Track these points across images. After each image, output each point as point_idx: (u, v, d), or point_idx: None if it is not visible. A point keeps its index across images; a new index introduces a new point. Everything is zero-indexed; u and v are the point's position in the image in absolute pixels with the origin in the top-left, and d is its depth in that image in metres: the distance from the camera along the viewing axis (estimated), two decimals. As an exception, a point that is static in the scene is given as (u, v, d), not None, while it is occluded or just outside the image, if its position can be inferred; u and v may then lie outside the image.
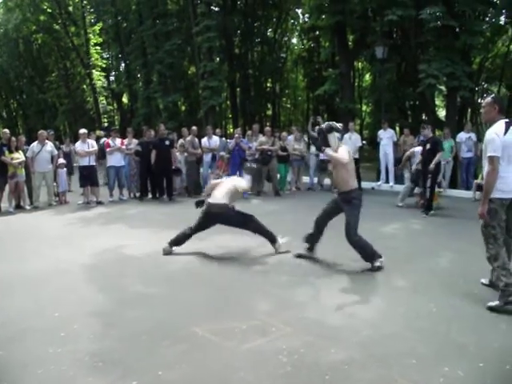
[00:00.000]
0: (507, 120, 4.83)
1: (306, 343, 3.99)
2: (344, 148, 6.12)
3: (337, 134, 6.15)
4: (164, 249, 7.08)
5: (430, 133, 10.43)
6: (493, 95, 5.18)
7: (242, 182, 7.45)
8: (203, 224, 7.08)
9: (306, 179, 14.96)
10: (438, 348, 3.90)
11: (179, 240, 7.09)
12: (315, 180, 14.70)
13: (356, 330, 4.26)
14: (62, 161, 13.02)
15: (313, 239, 6.61)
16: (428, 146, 10.06)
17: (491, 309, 4.64)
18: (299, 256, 6.68)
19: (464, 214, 9.99)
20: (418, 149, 11.11)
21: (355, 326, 4.34)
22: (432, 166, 9.82)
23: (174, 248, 7.11)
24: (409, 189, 11.28)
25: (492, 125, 4.89)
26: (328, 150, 6.06)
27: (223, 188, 7.10)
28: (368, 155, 24.79)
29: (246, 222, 7.07)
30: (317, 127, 6.48)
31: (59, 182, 12.70)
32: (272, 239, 7.03)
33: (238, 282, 5.76)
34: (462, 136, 13.52)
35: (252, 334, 4.19)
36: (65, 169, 13.05)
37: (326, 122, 6.39)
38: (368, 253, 6.04)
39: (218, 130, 15.80)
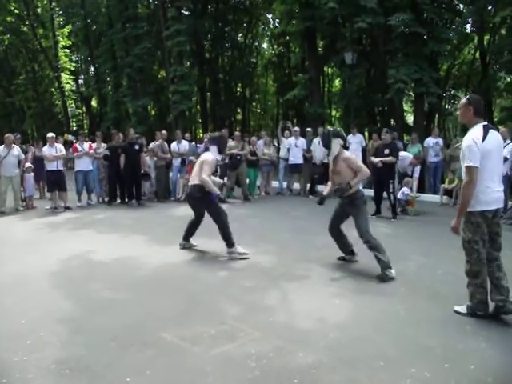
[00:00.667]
0: (485, 123, 4.49)
1: (274, 347, 4.00)
2: (349, 154, 6.40)
3: (341, 141, 6.27)
4: (180, 243, 7.58)
5: (390, 139, 10.58)
6: (468, 96, 4.81)
7: (210, 156, 7.43)
8: (193, 208, 7.40)
9: (275, 184, 15.00)
10: (406, 350, 3.96)
11: (189, 231, 7.53)
12: (284, 185, 14.75)
13: (324, 333, 4.29)
14: (28, 165, 12.80)
15: (343, 248, 6.60)
16: (387, 152, 10.18)
17: (457, 312, 4.70)
18: (342, 259, 6.66)
19: (432, 217, 10.17)
20: (403, 154, 11.34)
21: (324, 330, 4.37)
22: (377, 160, 10.06)
23: (191, 241, 7.63)
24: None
25: (469, 128, 4.54)
26: (351, 181, 6.09)
27: (194, 170, 7.34)
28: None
29: (218, 217, 7.09)
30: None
31: (26, 186, 12.48)
32: (230, 244, 7.04)
33: (206, 286, 5.74)
34: (430, 141, 13.78)
35: (220, 339, 4.18)
36: (32, 173, 12.83)
37: (334, 127, 6.52)
38: (383, 256, 5.81)
39: (187, 135, 15.72)
